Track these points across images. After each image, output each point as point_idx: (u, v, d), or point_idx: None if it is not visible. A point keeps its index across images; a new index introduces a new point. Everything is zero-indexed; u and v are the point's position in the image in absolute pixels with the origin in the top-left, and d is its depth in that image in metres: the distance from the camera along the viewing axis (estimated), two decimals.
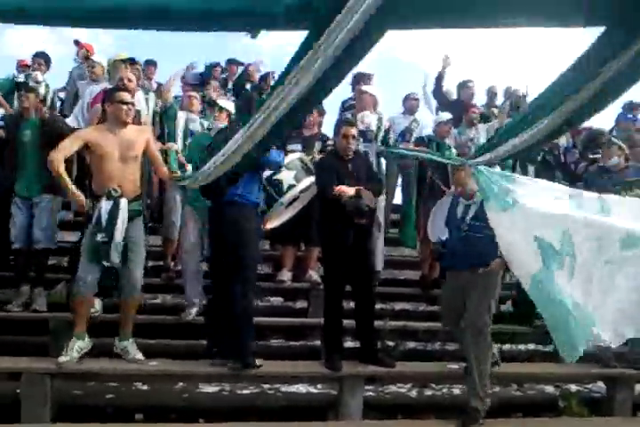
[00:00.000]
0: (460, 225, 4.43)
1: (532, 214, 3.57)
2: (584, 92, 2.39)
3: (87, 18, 1.86)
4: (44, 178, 4.84)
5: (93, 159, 4.29)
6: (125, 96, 4.38)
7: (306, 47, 2.03)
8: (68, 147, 4.24)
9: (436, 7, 1.79)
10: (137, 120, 5.08)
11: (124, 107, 4.29)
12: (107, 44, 23.46)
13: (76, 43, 7.59)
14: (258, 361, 4.27)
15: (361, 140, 5.73)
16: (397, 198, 7.26)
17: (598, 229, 3.69)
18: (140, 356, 4.29)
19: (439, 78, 8.01)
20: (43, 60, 7.18)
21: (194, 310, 5.02)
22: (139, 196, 4.39)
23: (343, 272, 4.59)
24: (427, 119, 7.33)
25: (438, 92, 7.91)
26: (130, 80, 5.37)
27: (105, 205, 4.14)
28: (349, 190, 4.50)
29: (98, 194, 4.23)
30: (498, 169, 4.21)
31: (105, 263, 4.12)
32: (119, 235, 4.11)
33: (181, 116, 6.04)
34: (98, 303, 4.84)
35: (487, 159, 3.52)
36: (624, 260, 3.68)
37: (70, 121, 5.61)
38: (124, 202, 4.17)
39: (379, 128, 6.26)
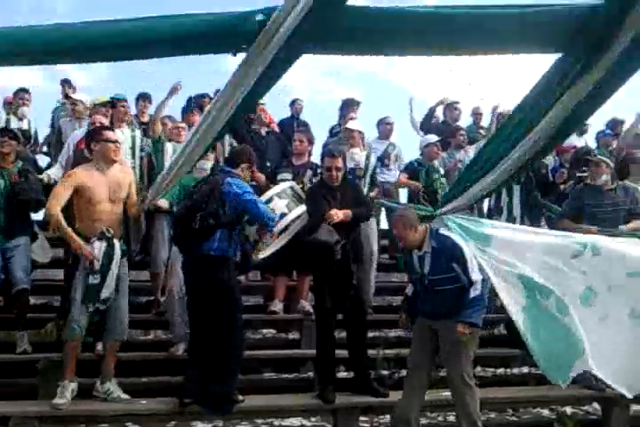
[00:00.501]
0: (419, 278, 4.16)
1: (508, 246, 3.64)
2: (549, 119, 2.43)
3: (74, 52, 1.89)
4: (16, 224, 4.91)
5: (82, 201, 4.29)
6: (111, 135, 4.44)
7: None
8: (63, 195, 4.22)
9: (352, 35, 1.84)
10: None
11: (112, 145, 4.34)
12: (102, 74, 23.61)
13: (64, 82, 7.68)
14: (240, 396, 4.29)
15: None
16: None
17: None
18: (124, 395, 4.28)
19: (430, 114, 8.12)
20: (26, 94, 7.23)
21: (181, 346, 5.00)
22: (122, 235, 4.42)
23: (334, 301, 4.58)
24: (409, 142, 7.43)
25: (427, 125, 8.00)
26: (101, 123, 5.43)
27: (98, 247, 4.15)
28: (339, 214, 4.57)
29: (86, 235, 4.24)
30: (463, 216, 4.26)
31: (97, 305, 4.13)
32: (113, 276, 4.15)
33: (169, 147, 6.09)
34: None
35: (455, 207, 3.59)
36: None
37: (56, 169, 5.66)
38: (117, 244, 4.21)
39: (367, 165, 6.29)
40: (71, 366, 4.20)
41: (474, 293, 3.83)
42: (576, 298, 3.78)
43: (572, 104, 2.34)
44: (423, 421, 4.93)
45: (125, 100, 6.50)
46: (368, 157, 6.35)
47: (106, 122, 5.61)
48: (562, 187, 6.82)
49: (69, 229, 4.21)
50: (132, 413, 4.29)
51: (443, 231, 4.07)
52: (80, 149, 5.31)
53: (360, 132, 6.54)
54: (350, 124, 6.63)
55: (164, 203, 4.96)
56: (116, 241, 4.22)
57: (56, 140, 6.77)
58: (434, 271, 4.00)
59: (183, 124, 6.41)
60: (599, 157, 5.87)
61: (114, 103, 6.19)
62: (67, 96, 6.95)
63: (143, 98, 7.67)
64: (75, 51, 1.92)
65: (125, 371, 4.63)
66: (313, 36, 1.77)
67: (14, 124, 6.97)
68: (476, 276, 3.85)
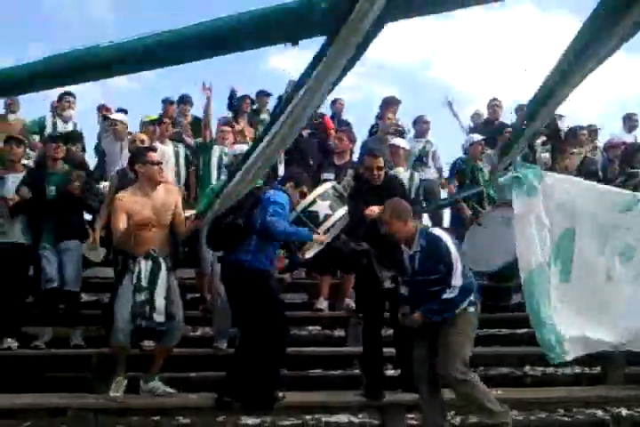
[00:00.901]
0: (410, 277, 4.11)
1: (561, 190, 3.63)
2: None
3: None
4: (65, 227, 5.13)
5: (129, 226, 4.31)
6: (155, 156, 4.51)
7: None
8: (121, 223, 4.32)
9: None
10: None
11: (157, 167, 4.43)
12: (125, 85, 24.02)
13: (100, 108, 7.82)
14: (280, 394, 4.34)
15: None
16: None
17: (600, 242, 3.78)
18: (170, 389, 4.40)
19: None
20: (70, 97, 7.37)
21: (225, 342, 5.08)
22: (169, 253, 4.51)
23: (379, 300, 4.57)
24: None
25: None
26: (142, 141, 5.59)
27: (144, 265, 4.27)
28: (375, 209, 4.50)
29: (132, 253, 4.35)
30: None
31: (144, 322, 4.25)
32: (162, 294, 4.26)
33: (216, 150, 6.18)
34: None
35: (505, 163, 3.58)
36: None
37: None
38: (163, 262, 4.32)
39: (410, 185, 6.13)
40: (122, 367, 4.38)
41: (447, 295, 3.85)
42: (614, 254, 3.73)
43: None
44: (473, 419, 4.88)
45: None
46: (412, 178, 6.25)
47: (147, 140, 5.74)
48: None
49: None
50: (183, 407, 4.37)
51: (434, 231, 4.04)
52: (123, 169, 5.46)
53: (405, 149, 6.43)
54: (396, 141, 6.47)
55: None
56: (161, 260, 4.32)
57: (101, 162, 6.88)
58: (422, 271, 3.98)
59: (227, 128, 6.50)
60: None
61: (161, 121, 6.32)
62: (105, 117, 7.08)
63: (184, 101, 7.82)
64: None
65: (174, 366, 4.71)
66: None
67: (60, 127, 7.13)
68: (455, 281, 3.82)
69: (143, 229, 4.22)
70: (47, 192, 5.24)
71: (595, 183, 4.59)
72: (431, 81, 24.89)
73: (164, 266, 4.31)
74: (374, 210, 4.52)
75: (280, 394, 4.33)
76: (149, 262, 4.27)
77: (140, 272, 4.24)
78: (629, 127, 8.41)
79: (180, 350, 4.93)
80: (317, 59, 1.99)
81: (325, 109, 8.01)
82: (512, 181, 3.83)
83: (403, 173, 6.20)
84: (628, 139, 7.96)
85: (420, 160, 7.21)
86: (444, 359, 3.90)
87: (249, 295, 4.24)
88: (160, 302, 4.23)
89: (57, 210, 5.18)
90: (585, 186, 4.15)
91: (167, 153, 6.24)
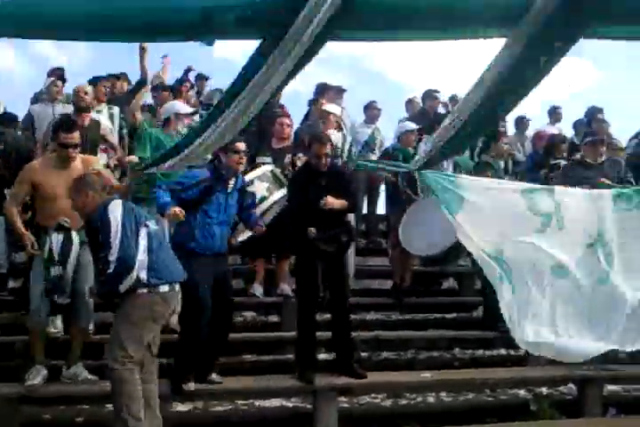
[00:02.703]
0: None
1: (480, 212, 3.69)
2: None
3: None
4: None
5: (38, 197, 4.26)
6: (69, 138, 4.27)
7: (257, 57, 2.06)
8: (20, 194, 4.29)
9: (381, 21, 1.83)
10: (97, 132, 5.36)
11: (69, 149, 4.25)
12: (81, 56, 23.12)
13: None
14: (218, 378, 4.32)
15: None
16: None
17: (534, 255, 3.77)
18: (92, 376, 4.27)
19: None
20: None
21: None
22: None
23: (315, 282, 4.59)
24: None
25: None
26: (86, 93, 5.50)
27: (55, 238, 4.09)
28: (335, 203, 4.50)
29: (44, 225, 4.19)
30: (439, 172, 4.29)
31: (60, 299, 4.07)
32: (71, 268, 4.08)
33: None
34: (59, 323, 4.73)
35: (427, 160, 3.62)
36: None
37: None
38: (75, 235, 4.13)
39: (343, 145, 6.36)
40: (40, 353, 4.20)
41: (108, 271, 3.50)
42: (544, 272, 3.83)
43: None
44: (403, 402, 5.01)
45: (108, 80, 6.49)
46: (344, 138, 6.43)
47: (90, 93, 5.66)
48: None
49: (19, 224, 4.25)
50: (109, 394, 4.25)
51: (108, 204, 3.63)
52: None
53: (335, 115, 6.57)
54: (328, 107, 6.63)
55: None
56: (73, 232, 4.13)
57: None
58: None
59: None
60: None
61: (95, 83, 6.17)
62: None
63: (201, 78, 8.13)
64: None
65: (100, 353, 4.57)
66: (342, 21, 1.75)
67: None
68: (111, 257, 3.45)
69: (53, 200, 4.15)
70: None
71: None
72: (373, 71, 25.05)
73: (76, 239, 4.12)
74: (334, 203, 4.50)
75: (216, 377, 4.31)
76: (61, 236, 4.08)
77: (51, 245, 4.06)
78: (554, 119, 8.75)
79: (103, 336, 4.81)
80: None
81: None
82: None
83: (335, 133, 6.32)
84: (553, 130, 8.27)
85: (368, 146, 7.26)
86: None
87: None
88: (69, 277, 4.07)
89: None
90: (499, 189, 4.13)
91: (102, 118, 6.16)
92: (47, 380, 4.14)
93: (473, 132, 2.87)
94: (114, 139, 6.08)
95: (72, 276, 4.10)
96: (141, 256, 3.50)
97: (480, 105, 2.25)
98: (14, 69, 22.57)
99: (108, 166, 5.59)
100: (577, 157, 6.12)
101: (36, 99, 7.17)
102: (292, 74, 2.09)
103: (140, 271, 3.48)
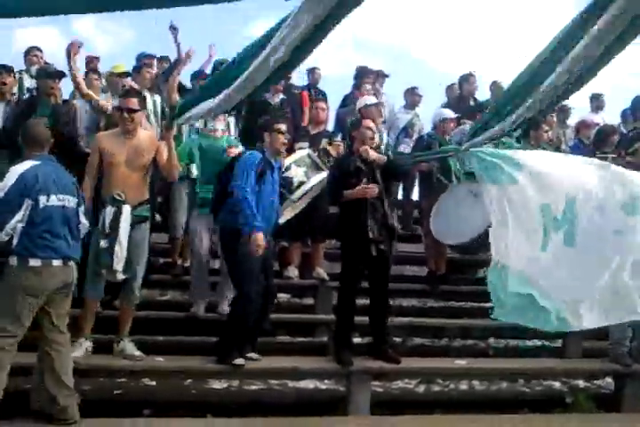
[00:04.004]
0: None
1: (537, 185, 3.67)
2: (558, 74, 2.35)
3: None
4: None
5: (104, 166, 4.34)
6: (130, 102, 4.34)
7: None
8: (93, 164, 4.36)
9: None
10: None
11: (126, 115, 4.29)
12: (128, 39, 23.33)
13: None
14: (256, 356, 4.41)
15: None
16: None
17: (599, 198, 3.84)
18: (138, 352, 4.31)
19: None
20: (38, 52, 6.90)
21: (202, 307, 5.05)
22: (146, 201, 4.38)
23: (361, 269, 4.60)
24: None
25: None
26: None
27: (109, 211, 4.14)
28: (375, 189, 4.52)
29: (104, 196, 4.26)
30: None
31: (105, 272, 4.12)
32: (122, 243, 4.09)
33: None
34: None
35: (475, 142, 3.57)
36: (633, 228, 3.78)
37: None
38: (126, 208, 4.17)
39: (380, 143, 6.23)
40: (88, 327, 4.29)
41: None
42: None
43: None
44: (435, 388, 5.00)
45: (152, 61, 6.43)
46: (380, 137, 6.31)
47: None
48: None
49: (88, 196, 4.22)
50: (150, 369, 4.35)
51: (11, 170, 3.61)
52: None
53: (377, 107, 6.47)
54: (368, 100, 6.45)
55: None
56: (126, 206, 4.17)
57: None
58: None
59: None
60: None
61: (131, 74, 6.10)
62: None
63: (221, 64, 7.70)
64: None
65: (143, 329, 4.67)
66: None
67: (27, 83, 6.83)
68: None
69: (112, 167, 4.24)
70: None
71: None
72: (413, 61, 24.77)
73: (126, 213, 4.14)
74: (374, 189, 4.52)
75: (254, 355, 4.39)
76: (113, 209, 4.13)
77: (104, 217, 4.11)
78: (596, 107, 8.50)
79: (148, 312, 4.91)
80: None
81: (302, 79, 7.95)
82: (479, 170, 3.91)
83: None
84: (597, 119, 8.06)
85: (406, 131, 7.19)
86: None
87: (224, 253, 4.51)
88: (120, 252, 4.08)
89: None
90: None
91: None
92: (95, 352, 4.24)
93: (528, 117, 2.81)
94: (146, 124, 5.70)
95: (125, 253, 4.11)
96: (14, 224, 3.48)
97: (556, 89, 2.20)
98: (57, 50, 22.92)
99: None
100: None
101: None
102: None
103: (14, 237, 3.48)
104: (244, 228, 4.23)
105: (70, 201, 3.68)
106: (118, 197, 4.17)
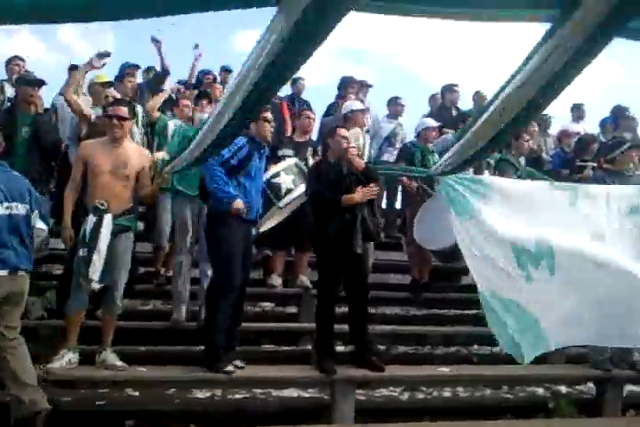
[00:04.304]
0: None
1: (501, 222, 3.67)
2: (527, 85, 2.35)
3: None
4: None
5: (88, 174, 4.32)
6: (117, 111, 4.34)
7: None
8: (77, 175, 4.34)
9: None
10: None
11: (116, 122, 4.29)
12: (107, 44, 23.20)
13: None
14: (241, 363, 4.37)
15: None
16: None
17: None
18: (120, 363, 4.26)
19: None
20: (20, 61, 6.90)
21: (183, 311, 5.05)
22: (129, 210, 4.36)
23: (338, 277, 4.61)
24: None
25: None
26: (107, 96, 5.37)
27: (90, 220, 4.11)
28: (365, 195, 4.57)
29: (86, 205, 4.24)
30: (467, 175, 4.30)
31: (83, 282, 4.06)
32: (101, 252, 4.04)
33: (171, 126, 5.96)
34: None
35: (448, 165, 3.58)
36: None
37: None
38: (107, 217, 4.14)
39: (363, 144, 6.39)
40: (72, 338, 4.24)
41: None
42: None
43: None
44: (419, 396, 5.02)
45: (135, 71, 6.45)
46: (364, 136, 6.47)
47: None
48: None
49: (69, 213, 4.28)
50: (132, 380, 4.32)
51: None
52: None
53: (363, 113, 6.59)
54: (354, 105, 6.59)
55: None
56: (107, 215, 4.14)
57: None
58: None
59: (188, 102, 6.28)
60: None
61: (113, 84, 6.07)
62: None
63: (226, 70, 7.92)
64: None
65: (125, 339, 4.64)
66: None
67: (10, 93, 6.80)
68: None
69: (97, 176, 4.23)
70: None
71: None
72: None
73: (107, 221, 4.11)
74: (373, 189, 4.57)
75: (239, 362, 4.37)
76: (94, 218, 4.10)
77: (85, 227, 4.08)
78: (577, 117, 8.64)
79: (130, 323, 4.88)
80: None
81: (285, 89, 7.99)
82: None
83: (359, 132, 6.42)
84: (577, 128, 8.19)
85: (389, 141, 7.26)
86: None
87: (210, 238, 4.49)
88: (98, 261, 4.03)
89: None
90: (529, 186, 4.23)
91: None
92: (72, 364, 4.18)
93: (503, 134, 2.82)
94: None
95: (103, 262, 4.07)
96: None
97: (527, 102, 2.22)
98: (43, 58, 22.87)
99: None
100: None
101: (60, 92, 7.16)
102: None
103: None
104: (224, 202, 4.27)
105: (19, 208, 3.63)
106: (101, 206, 4.15)
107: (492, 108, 2.51)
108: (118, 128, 4.30)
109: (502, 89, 2.38)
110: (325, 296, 4.64)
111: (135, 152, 4.44)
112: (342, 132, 4.81)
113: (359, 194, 4.52)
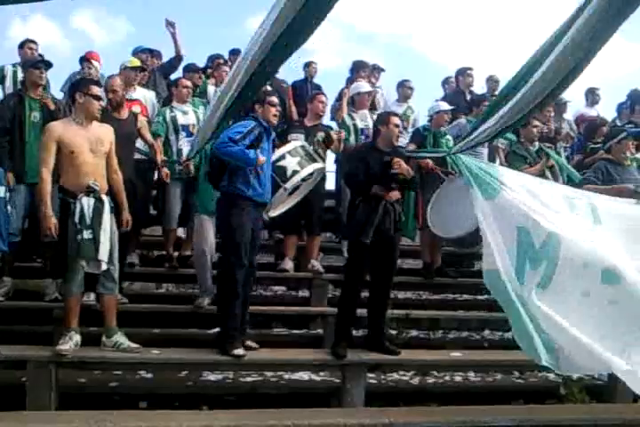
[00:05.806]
0: None
1: (516, 205, 3.60)
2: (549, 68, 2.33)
3: None
4: None
5: (64, 156, 4.17)
6: (96, 90, 4.27)
7: None
8: (51, 156, 4.15)
9: None
10: (134, 126, 5.27)
11: (96, 102, 4.23)
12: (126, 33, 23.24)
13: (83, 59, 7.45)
14: (253, 344, 4.43)
15: (362, 137, 6.04)
16: None
17: (586, 254, 3.67)
18: (134, 345, 4.26)
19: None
20: (33, 44, 6.89)
21: (206, 301, 5.08)
22: (109, 190, 4.32)
23: (368, 261, 4.57)
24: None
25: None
26: (115, 91, 5.24)
27: (85, 202, 4.06)
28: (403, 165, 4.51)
29: (72, 190, 4.13)
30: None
31: (90, 264, 4.04)
32: (107, 234, 4.04)
33: (167, 111, 5.87)
34: (92, 294, 4.75)
35: (465, 144, 3.53)
36: (602, 294, 3.67)
37: None
38: (106, 199, 4.14)
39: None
40: (73, 321, 4.19)
41: None
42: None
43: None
44: (430, 380, 5.03)
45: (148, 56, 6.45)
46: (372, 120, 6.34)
47: (120, 90, 5.31)
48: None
49: (48, 198, 4.12)
50: (145, 361, 4.35)
51: None
52: None
53: (369, 94, 6.60)
54: (361, 87, 6.59)
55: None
56: (104, 196, 4.13)
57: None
58: None
59: (189, 83, 6.20)
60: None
61: (145, 68, 6.09)
62: (85, 59, 6.76)
63: (235, 53, 7.59)
64: None
65: (137, 322, 4.69)
66: None
67: (21, 76, 6.76)
68: None
69: (78, 156, 4.11)
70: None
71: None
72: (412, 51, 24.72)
73: (107, 204, 4.11)
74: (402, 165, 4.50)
75: (252, 343, 4.41)
76: (92, 200, 4.05)
77: (82, 208, 4.03)
78: (592, 101, 8.51)
79: (144, 305, 4.93)
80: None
81: (297, 72, 7.93)
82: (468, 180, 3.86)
83: (368, 114, 6.47)
84: (592, 113, 8.07)
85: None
86: None
87: (220, 218, 4.48)
88: (105, 243, 4.02)
89: None
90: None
91: (146, 95, 6.21)
92: (84, 346, 4.20)
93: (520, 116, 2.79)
94: (148, 134, 5.58)
95: (108, 244, 4.06)
96: None
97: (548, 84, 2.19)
98: (57, 43, 22.90)
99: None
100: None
101: (70, 81, 7.12)
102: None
103: None
104: (249, 163, 4.28)
105: None
106: (95, 186, 4.10)
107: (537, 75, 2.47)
108: (97, 109, 4.25)
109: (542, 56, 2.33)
110: (353, 280, 4.61)
111: (104, 131, 4.35)
112: (396, 120, 4.74)
113: (394, 194, 4.55)
